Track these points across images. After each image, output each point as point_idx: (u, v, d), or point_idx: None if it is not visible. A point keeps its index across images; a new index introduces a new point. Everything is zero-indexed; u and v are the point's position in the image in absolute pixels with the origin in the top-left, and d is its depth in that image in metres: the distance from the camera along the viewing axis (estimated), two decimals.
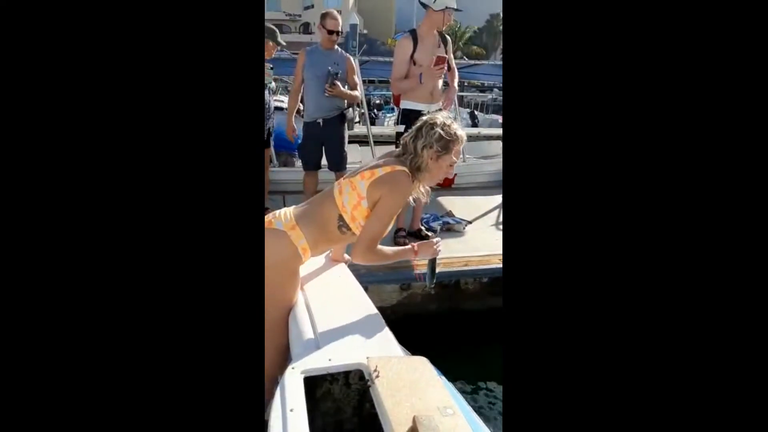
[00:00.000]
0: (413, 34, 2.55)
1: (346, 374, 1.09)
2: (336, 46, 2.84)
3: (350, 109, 2.87)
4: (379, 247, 1.35)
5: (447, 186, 4.30)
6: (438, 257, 1.47)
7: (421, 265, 1.58)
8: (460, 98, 17.21)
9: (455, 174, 4.40)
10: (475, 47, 34.98)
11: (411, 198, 1.44)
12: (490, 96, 19.19)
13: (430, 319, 2.52)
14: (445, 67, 2.46)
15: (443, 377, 1.64)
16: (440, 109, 2.56)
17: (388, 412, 0.88)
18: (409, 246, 1.42)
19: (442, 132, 1.31)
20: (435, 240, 1.45)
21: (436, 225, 3.10)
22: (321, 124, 2.78)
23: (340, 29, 2.77)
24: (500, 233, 3.25)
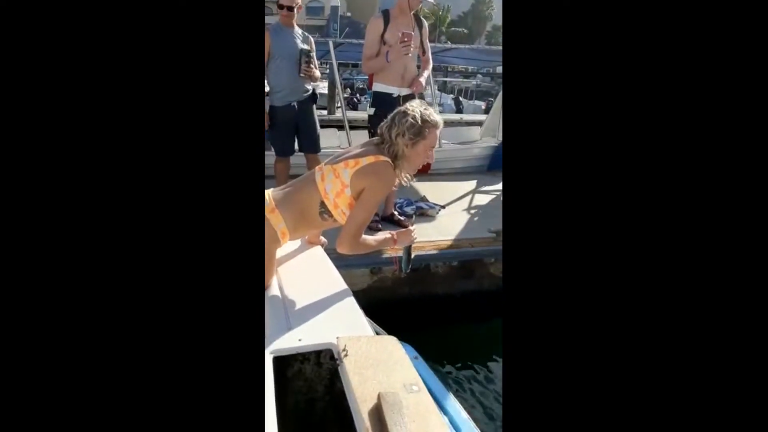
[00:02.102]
0: (385, 14, 2.54)
1: (318, 354, 1.11)
2: (295, 24, 2.75)
3: (316, 87, 2.84)
4: (363, 236, 1.38)
5: (424, 172, 4.32)
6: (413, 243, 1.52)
7: (395, 250, 1.61)
8: (444, 84, 17.16)
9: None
10: (459, 29, 34.75)
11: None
12: (474, 82, 19.18)
13: (401, 302, 2.55)
14: (412, 46, 2.45)
15: (420, 357, 1.67)
16: (411, 94, 2.58)
17: (354, 389, 0.90)
18: (389, 235, 1.46)
19: (412, 120, 1.33)
20: (412, 228, 1.50)
21: (409, 210, 3.11)
22: (296, 107, 2.74)
23: (293, 4, 2.66)
24: (471, 217, 3.29)
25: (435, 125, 1.37)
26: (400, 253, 1.54)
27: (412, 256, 1.54)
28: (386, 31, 2.50)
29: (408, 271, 1.56)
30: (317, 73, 2.74)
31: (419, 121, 1.34)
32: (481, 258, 2.73)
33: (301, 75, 2.66)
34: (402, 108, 1.38)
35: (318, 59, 2.76)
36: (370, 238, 1.41)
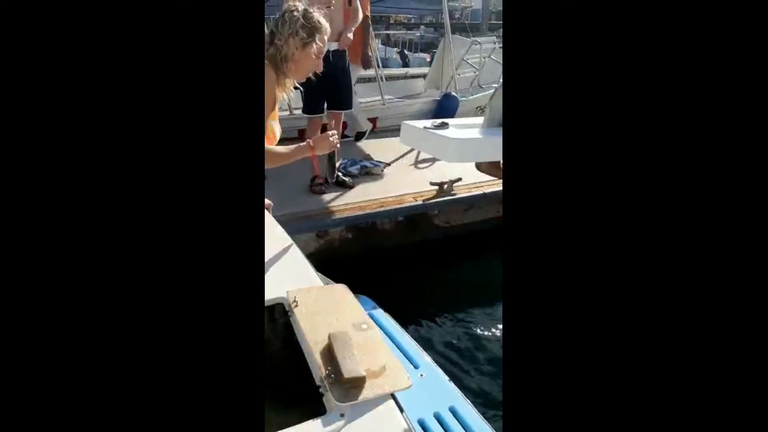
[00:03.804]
0: None
1: (271, 310, 1.14)
2: None
3: None
4: (270, 147, 1.35)
5: (372, 129, 4.31)
6: (336, 149, 1.47)
7: (316, 159, 1.55)
8: (387, 37, 16.71)
9: (377, 117, 4.41)
10: None
11: (283, 95, 1.44)
12: (417, 33, 18.79)
13: (351, 260, 2.60)
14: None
15: (378, 307, 1.73)
16: (340, 50, 2.56)
17: (306, 335, 0.95)
18: (304, 143, 1.41)
19: (303, 19, 1.31)
20: (330, 132, 1.43)
21: (354, 170, 3.07)
22: None
23: None
24: (416, 172, 3.35)
25: (324, 30, 1.35)
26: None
27: (337, 164, 1.52)
28: None
29: (334, 179, 1.51)
30: None
31: (309, 23, 1.32)
32: (426, 211, 2.81)
33: None
34: (289, 6, 1.34)
35: None
36: (280, 148, 1.37)
